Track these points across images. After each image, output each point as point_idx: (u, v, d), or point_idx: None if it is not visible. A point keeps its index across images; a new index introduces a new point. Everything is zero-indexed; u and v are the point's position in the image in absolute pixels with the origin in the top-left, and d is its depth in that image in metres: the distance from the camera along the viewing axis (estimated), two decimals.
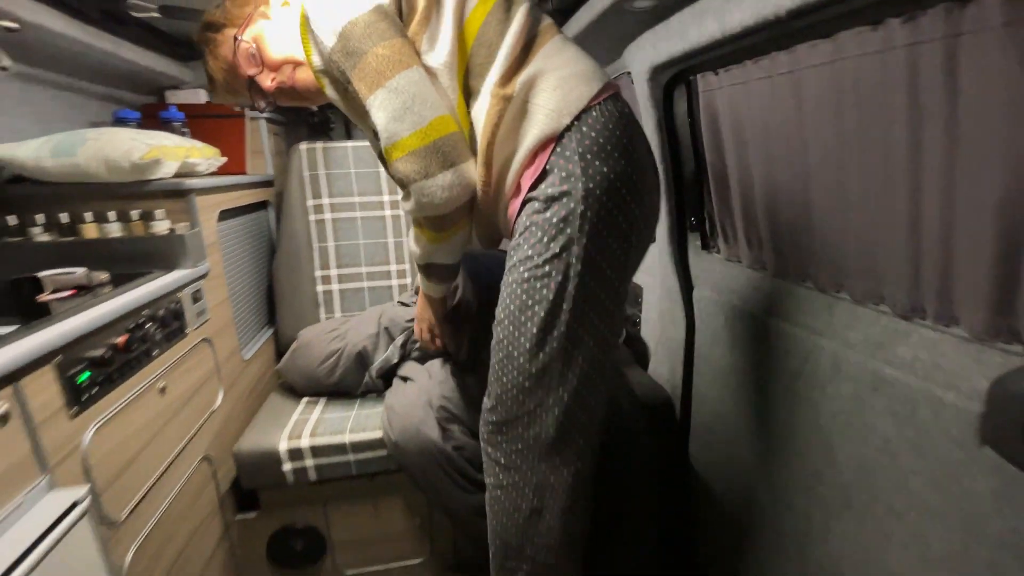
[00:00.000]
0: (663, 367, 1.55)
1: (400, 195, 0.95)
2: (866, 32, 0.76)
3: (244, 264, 1.69)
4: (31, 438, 0.74)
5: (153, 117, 1.61)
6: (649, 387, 1.52)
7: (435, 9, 0.83)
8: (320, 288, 1.87)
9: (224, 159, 1.56)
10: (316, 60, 0.85)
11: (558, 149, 0.82)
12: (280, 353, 1.86)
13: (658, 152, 1.34)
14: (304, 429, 1.39)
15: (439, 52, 0.83)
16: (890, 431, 0.80)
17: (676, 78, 1.24)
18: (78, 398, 0.83)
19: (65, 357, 0.81)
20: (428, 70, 0.83)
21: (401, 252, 1.94)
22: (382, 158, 0.93)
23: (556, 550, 0.99)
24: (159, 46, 1.57)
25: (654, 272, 1.55)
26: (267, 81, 0.94)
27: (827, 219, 0.94)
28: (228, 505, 1.36)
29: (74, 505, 0.74)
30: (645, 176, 0.86)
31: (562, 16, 1.39)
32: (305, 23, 0.83)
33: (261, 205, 1.88)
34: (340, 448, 1.36)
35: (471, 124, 0.87)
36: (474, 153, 0.87)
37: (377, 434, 1.38)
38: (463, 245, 0.99)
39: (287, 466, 1.34)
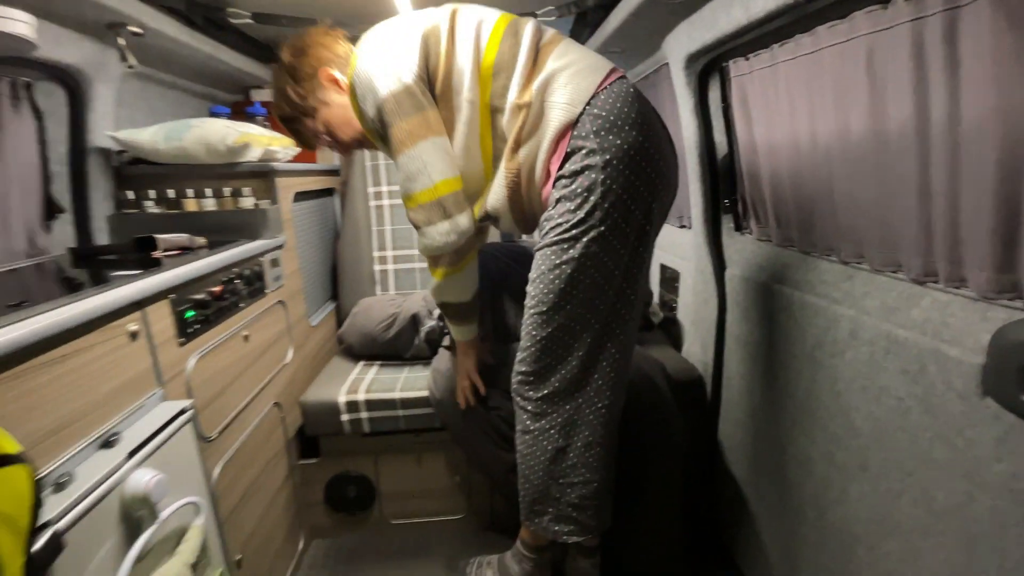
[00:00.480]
0: (696, 347, 1.61)
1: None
2: (876, 11, 0.82)
3: (313, 243, 1.89)
4: (152, 355, 0.92)
5: (241, 112, 1.84)
6: (681, 366, 1.58)
7: (452, 57, 1.02)
8: (377, 268, 2.05)
9: (299, 149, 1.77)
10: (366, 122, 1.08)
11: (575, 132, 0.96)
12: (340, 324, 2.06)
13: (693, 138, 1.41)
14: (360, 386, 1.56)
15: (464, 92, 1.02)
16: (902, 391, 0.84)
17: (710, 65, 1.31)
18: (185, 330, 1.02)
19: (177, 296, 1.00)
20: (456, 108, 1.03)
21: None
22: None
23: (580, 489, 1.08)
24: (248, 49, 1.80)
25: (689, 256, 1.61)
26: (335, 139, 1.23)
27: (849, 193, 0.98)
28: (293, 450, 1.55)
29: (182, 411, 0.92)
30: (659, 145, 0.99)
31: (603, 11, 1.49)
32: (353, 95, 1.07)
33: (328, 192, 2.09)
34: (391, 403, 1.51)
35: (493, 137, 1.04)
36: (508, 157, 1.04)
37: (424, 393, 1.52)
38: (470, 285, 1.21)
39: (345, 416, 1.51)
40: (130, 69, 1.31)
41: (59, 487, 0.68)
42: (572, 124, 0.96)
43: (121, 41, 1.27)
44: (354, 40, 1.14)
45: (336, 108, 1.16)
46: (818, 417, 1.04)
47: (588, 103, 0.95)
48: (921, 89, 0.77)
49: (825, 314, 1.01)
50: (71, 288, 0.90)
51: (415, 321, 1.71)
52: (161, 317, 0.96)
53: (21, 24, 0.94)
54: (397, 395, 1.52)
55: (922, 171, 0.81)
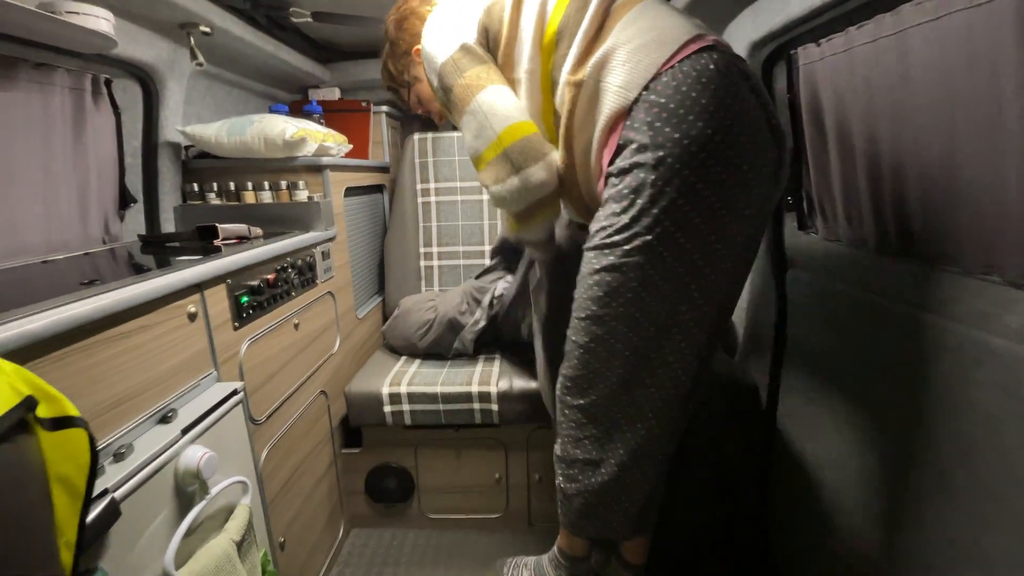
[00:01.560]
0: (751, 350, 1.52)
1: None
2: None
3: (362, 238, 1.93)
4: (208, 336, 0.96)
5: (298, 110, 1.91)
6: (734, 373, 1.50)
7: (517, 24, 0.94)
8: (423, 263, 2.07)
9: (351, 146, 1.81)
10: (436, 94, 1.05)
11: (628, 122, 0.83)
12: (386, 319, 2.10)
13: None
14: (403, 378, 1.57)
15: (523, 62, 0.95)
16: (994, 406, 0.76)
17: (776, 53, 1.24)
18: (240, 314, 1.05)
19: (233, 281, 1.03)
20: (515, 82, 0.96)
21: (495, 234, 2.08)
22: None
23: (616, 505, 1.03)
24: (307, 49, 1.86)
25: None
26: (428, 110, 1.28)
27: (934, 188, 0.89)
28: (337, 439, 1.58)
29: (234, 392, 0.94)
30: (743, 140, 0.80)
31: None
32: (424, 70, 1.06)
33: (378, 188, 2.13)
34: (432, 397, 1.52)
35: (555, 116, 0.94)
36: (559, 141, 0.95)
37: (464, 388, 1.51)
38: (546, 228, 1.07)
39: (387, 408, 1.53)
40: (199, 67, 1.38)
41: (118, 457, 0.71)
42: (625, 113, 0.83)
43: (192, 40, 1.34)
44: None
45: (424, 84, 1.18)
46: (891, 432, 0.96)
47: (646, 87, 0.81)
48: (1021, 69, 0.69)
49: (904, 320, 0.93)
50: (138, 270, 0.95)
51: (452, 326, 1.70)
52: (218, 300, 0.99)
53: (103, 21, 1.00)
54: (438, 389, 1.52)
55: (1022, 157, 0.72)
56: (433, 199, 2.08)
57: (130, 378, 0.76)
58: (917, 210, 0.94)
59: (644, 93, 0.81)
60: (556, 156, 0.96)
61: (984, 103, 0.77)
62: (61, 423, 0.45)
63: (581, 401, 0.99)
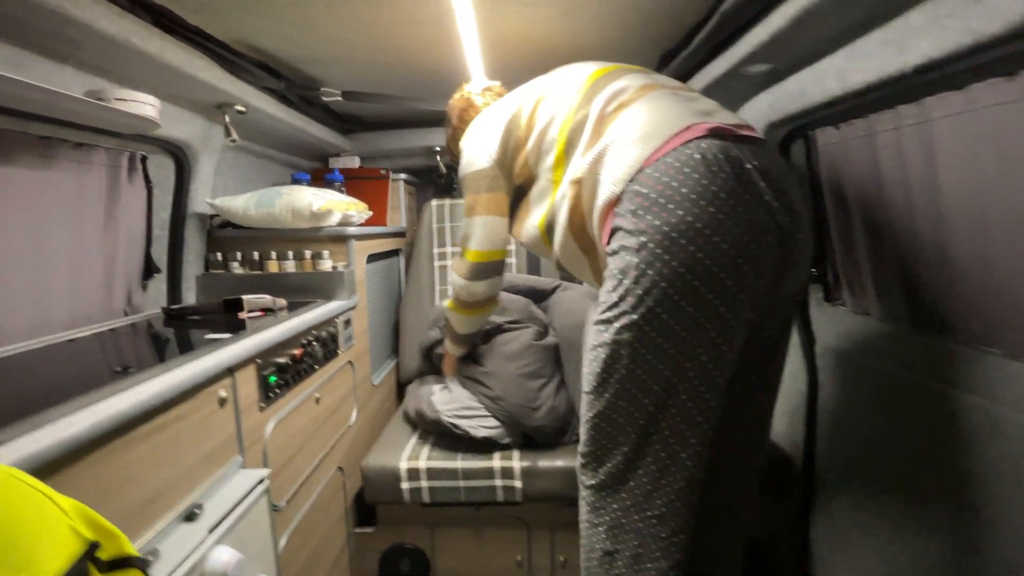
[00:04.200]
0: (780, 423, 1.48)
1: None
2: (1000, 83, 0.77)
3: (378, 301, 1.92)
4: (236, 421, 0.92)
5: (320, 178, 1.95)
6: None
7: (527, 145, 1.10)
8: None
9: (371, 213, 1.84)
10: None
11: (616, 210, 0.89)
12: (399, 382, 2.05)
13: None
14: (421, 452, 1.51)
15: (545, 163, 1.08)
16: None
17: (793, 133, 1.28)
18: (266, 394, 1.02)
19: (262, 360, 1.01)
20: (535, 176, 1.11)
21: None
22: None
23: None
24: (330, 122, 1.93)
25: None
26: None
27: (971, 269, 0.90)
28: (350, 517, 1.50)
29: (260, 481, 0.90)
30: (723, 223, 0.81)
31: (681, 81, 1.51)
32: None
33: (394, 252, 2.15)
34: (452, 473, 1.45)
35: (554, 209, 1.05)
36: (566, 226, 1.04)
37: (485, 463, 1.45)
38: (469, 327, 1.45)
39: (405, 484, 1.46)
40: (232, 143, 1.41)
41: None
42: (614, 203, 0.89)
43: (226, 118, 1.38)
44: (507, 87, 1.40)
45: None
46: (945, 519, 0.91)
47: (631, 180, 0.86)
48: None
49: (950, 402, 0.91)
50: (169, 353, 0.93)
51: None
52: (247, 381, 0.96)
53: (150, 108, 1.03)
54: (459, 464, 1.46)
55: None
56: (449, 262, 2.09)
57: (161, 473, 0.73)
58: (955, 291, 0.94)
59: (629, 184, 0.86)
60: (500, 280, 1.30)
61: (1018, 192, 0.79)
62: (119, 564, 0.42)
63: (593, 481, 0.97)
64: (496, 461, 1.46)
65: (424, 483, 1.46)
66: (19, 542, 0.34)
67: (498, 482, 1.45)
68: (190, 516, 0.77)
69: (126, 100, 0.99)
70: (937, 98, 0.89)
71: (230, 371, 0.90)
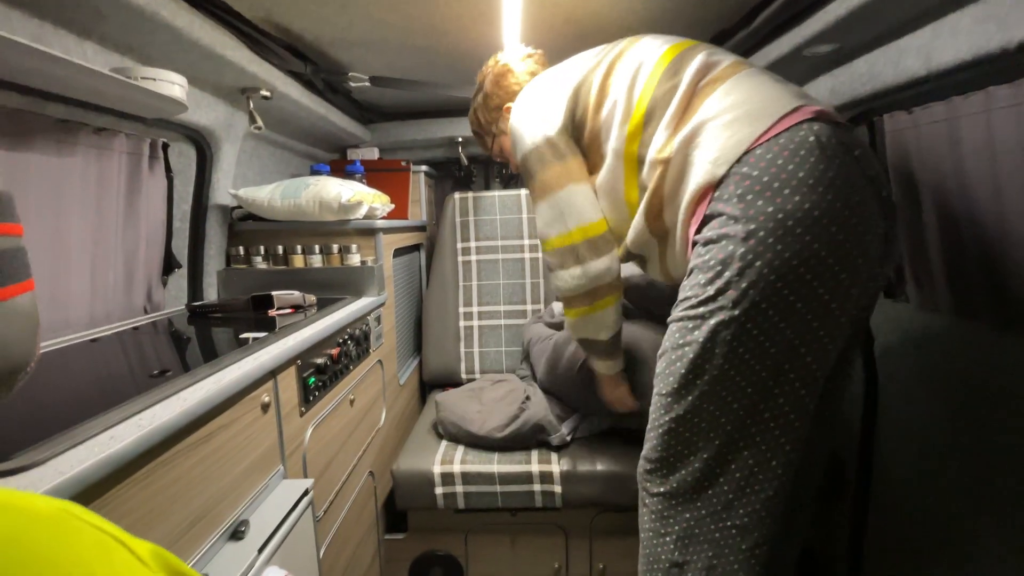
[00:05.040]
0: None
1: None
2: None
3: (402, 298, 1.85)
4: (279, 428, 0.85)
5: (340, 170, 1.87)
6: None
7: (601, 114, 0.98)
8: (462, 324, 1.98)
9: (393, 206, 1.77)
10: (518, 165, 1.12)
11: (716, 194, 0.81)
12: (422, 381, 1.98)
13: None
14: (455, 456, 1.44)
15: (610, 141, 0.97)
16: None
17: (855, 119, 1.21)
18: (307, 398, 0.95)
19: (303, 361, 0.94)
20: (601, 157, 1.00)
21: (537, 292, 2.01)
22: None
23: None
24: (352, 111, 1.85)
25: None
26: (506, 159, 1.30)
27: None
28: (381, 523, 1.43)
29: (306, 492, 0.83)
30: (838, 213, 0.75)
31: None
32: (511, 141, 1.12)
33: (415, 247, 2.07)
34: (488, 477, 1.39)
35: (638, 188, 0.94)
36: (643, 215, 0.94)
37: (523, 468, 1.39)
38: (606, 326, 1.10)
39: (439, 490, 1.39)
40: (257, 131, 1.34)
41: None
42: (714, 186, 0.81)
43: (251, 104, 1.30)
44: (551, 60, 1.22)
45: (509, 139, 1.17)
46: (1018, 526, 0.85)
47: (738, 160, 0.79)
48: None
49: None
50: (206, 354, 0.86)
51: (540, 428, 1.47)
52: (288, 385, 0.89)
53: (178, 88, 0.96)
54: (495, 468, 1.39)
55: None
56: (474, 258, 2.02)
57: (207, 489, 0.66)
58: None
59: (736, 166, 0.79)
60: (617, 251, 1.05)
61: None
62: None
63: (663, 488, 0.90)
64: (535, 466, 1.39)
65: (459, 488, 1.40)
66: None
67: (536, 487, 1.38)
68: (236, 534, 0.70)
69: (154, 80, 0.92)
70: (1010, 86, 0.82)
71: (272, 374, 0.83)
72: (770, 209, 0.75)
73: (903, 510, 1.16)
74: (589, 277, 1.03)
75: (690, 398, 0.83)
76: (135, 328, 1.07)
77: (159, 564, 0.31)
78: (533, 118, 1.05)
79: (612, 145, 0.96)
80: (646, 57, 0.95)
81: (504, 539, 1.45)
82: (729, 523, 0.85)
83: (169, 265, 1.30)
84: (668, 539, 0.90)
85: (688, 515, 0.88)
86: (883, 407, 1.24)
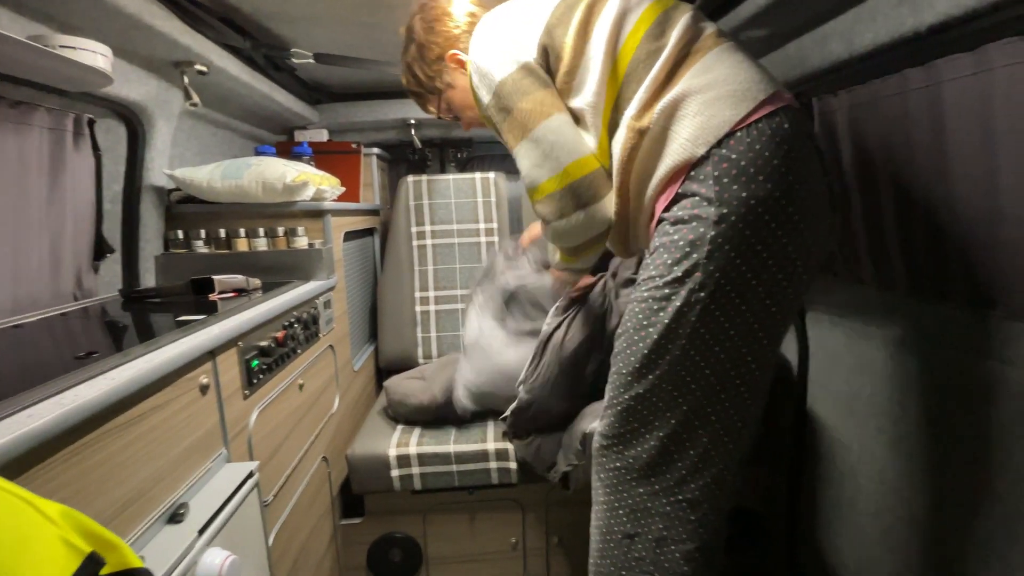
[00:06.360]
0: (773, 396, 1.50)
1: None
2: (1016, 43, 0.77)
3: (354, 283, 1.82)
4: (219, 410, 0.83)
5: (286, 152, 1.81)
6: None
7: (583, 52, 0.88)
8: (419, 308, 1.98)
9: (344, 189, 1.73)
10: (482, 109, 0.97)
11: (692, 174, 0.80)
12: (378, 368, 1.97)
13: None
14: (411, 438, 1.45)
15: (585, 94, 0.89)
16: None
17: None
18: (250, 381, 0.93)
19: (244, 343, 0.92)
20: (573, 111, 0.90)
21: None
22: None
23: None
24: (298, 91, 1.79)
25: None
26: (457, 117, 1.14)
27: (974, 231, 0.91)
28: (336, 509, 1.42)
29: (249, 475, 0.82)
30: (803, 202, 0.78)
31: None
32: (471, 82, 0.96)
33: (369, 232, 2.04)
34: (445, 458, 1.40)
35: (610, 158, 0.88)
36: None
37: (479, 446, 1.41)
38: (594, 261, 1.05)
39: (395, 472, 1.39)
40: (193, 107, 1.28)
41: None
42: (691, 165, 0.79)
43: (185, 79, 1.24)
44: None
45: (460, 91, 1.06)
46: (944, 480, 0.93)
47: (719, 143, 0.78)
48: None
49: (949, 364, 0.92)
50: (139, 336, 0.82)
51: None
52: (229, 367, 0.87)
53: (101, 58, 0.90)
54: (451, 448, 1.41)
55: None
56: (429, 242, 2.00)
57: (141, 470, 0.64)
58: (955, 252, 0.95)
59: (715, 148, 0.78)
60: (613, 193, 0.91)
61: None
62: None
63: (617, 464, 0.92)
64: (490, 443, 1.41)
65: (415, 469, 1.40)
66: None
67: (493, 464, 1.41)
68: (175, 517, 0.69)
69: (74, 48, 0.86)
70: (946, 61, 0.88)
71: (211, 354, 0.81)
72: (744, 195, 0.76)
73: (832, 470, 1.25)
74: (595, 224, 0.89)
75: (651, 377, 0.84)
76: (63, 315, 1.01)
77: (70, 524, 0.31)
78: (501, 47, 0.92)
79: (590, 100, 0.89)
80: (631, 4, 0.89)
81: (462, 518, 1.47)
82: (681, 497, 0.87)
83: (100, 249, 1.23)
84: (621, 512, 0.92)
85: (642, 490, 0.89)
86: (813, 375, 1.32)
